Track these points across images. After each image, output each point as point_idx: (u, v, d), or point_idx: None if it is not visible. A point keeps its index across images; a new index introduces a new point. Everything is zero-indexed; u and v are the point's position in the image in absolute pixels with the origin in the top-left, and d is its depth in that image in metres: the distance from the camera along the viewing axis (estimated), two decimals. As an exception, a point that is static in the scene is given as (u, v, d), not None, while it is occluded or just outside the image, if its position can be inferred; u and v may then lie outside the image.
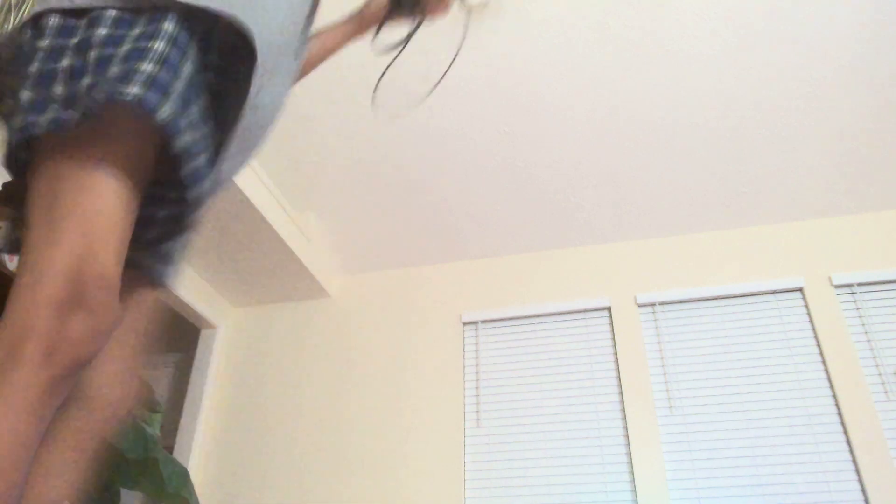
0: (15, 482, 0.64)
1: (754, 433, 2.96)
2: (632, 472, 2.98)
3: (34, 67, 0.75)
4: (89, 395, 0.85)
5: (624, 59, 2.54)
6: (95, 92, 0.70)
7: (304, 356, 3.72)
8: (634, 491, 2.93)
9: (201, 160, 0.83)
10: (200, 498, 3.40)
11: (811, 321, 3.14)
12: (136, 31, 0.77)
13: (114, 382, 0.87)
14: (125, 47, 0.74)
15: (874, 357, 2.99)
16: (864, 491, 2.73)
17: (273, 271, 3.53)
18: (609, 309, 3.43)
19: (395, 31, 1.35)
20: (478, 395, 3.37)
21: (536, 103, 2.74)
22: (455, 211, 3.38)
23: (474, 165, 3.07)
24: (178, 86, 0.76)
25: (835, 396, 2.95)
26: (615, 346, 3.31)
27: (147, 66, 0.72)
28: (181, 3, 0.80)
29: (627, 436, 3.06)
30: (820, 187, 3.18)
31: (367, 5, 1.29)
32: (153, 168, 0.80)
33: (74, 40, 0.76)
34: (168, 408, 3.41)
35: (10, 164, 0.75)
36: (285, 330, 3.83)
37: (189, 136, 0.78)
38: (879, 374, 2.95)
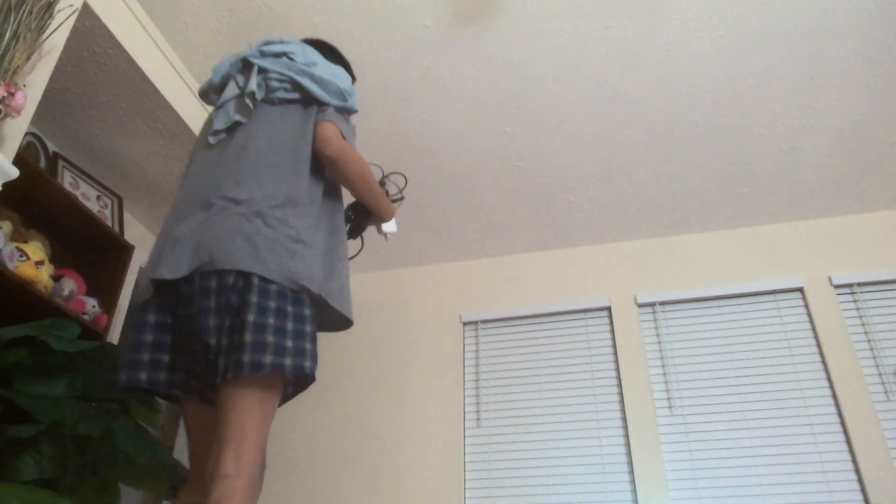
0: None
1: (754, 433, 2.96)
2: (632, 472, 2.98)
3: (270, 320, 1.21)
4: (205, 480, 1.21)
5: (624, 59, 2.54)
6: (302, 365, 1.23)
7: (304, 356, 3.71)
8: (634, 491, 2.93)
9: None
10: (200, 498, 3.39)
11: (811, 321, 3.14)
12: (309, 312, 1.30)
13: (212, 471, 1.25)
14: (312, 336, 1.28)
15: (874, 357, 2.99)
16: (864, 491, 2.73)
17: (273, 271, 3.52)
18: (609, 309, 3.43)
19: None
20: (478, 395, 3.37)
21: (536, 104, 2.74)
22: (455, 211, 3.38)
23: (474, 165, 3.07)
24: None
25: (835, 396, 2.95)
26: (615, 346, 3.31)
27: (315, 350, 1.28)
28: (313, 292, 1.31)
29: (627, 436, 3.06)
30: (820, 187, 3.18)
31: None
32: None
33: (290, 310, 1.25)
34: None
35: (238, 369, 1.18)
36: (285, 330, 3.83)
37: None
38: (879, 374, 2.95)
